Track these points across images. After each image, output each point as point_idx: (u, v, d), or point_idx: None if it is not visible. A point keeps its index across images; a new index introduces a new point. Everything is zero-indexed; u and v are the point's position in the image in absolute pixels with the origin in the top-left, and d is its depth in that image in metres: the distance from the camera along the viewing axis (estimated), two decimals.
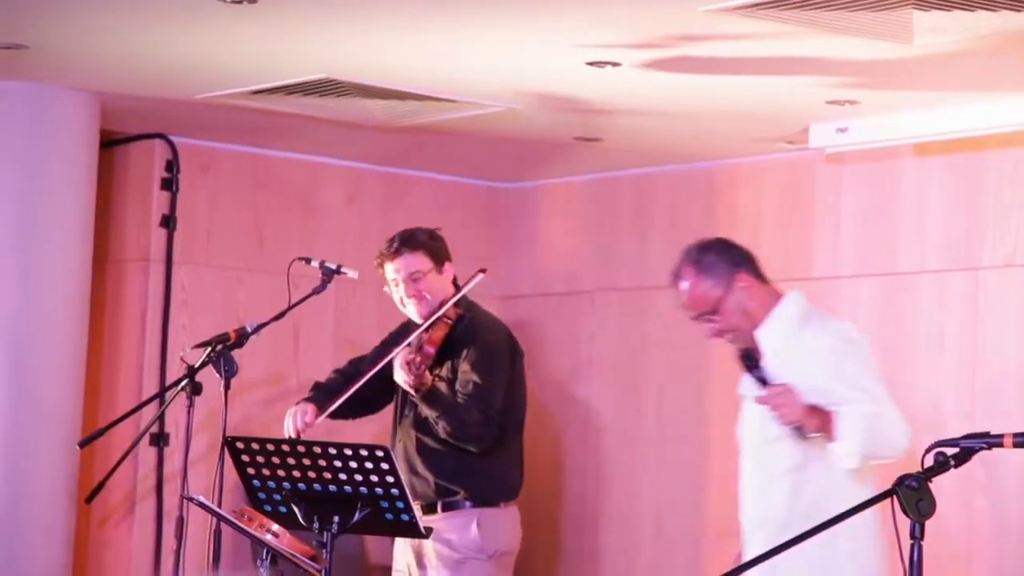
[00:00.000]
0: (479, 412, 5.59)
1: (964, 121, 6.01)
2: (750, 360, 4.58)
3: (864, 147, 6.37)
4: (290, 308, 5.70)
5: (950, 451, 3.83)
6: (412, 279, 5.71)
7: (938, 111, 6.03)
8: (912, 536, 3.74)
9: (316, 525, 4.82)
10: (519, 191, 7.83)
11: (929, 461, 3.81)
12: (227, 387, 5.52)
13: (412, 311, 5.71)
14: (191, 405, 5.75)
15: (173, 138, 6.98)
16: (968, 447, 3.84)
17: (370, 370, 5.67)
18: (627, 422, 7.31)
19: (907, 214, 6.52)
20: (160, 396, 6.15)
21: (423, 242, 5.76)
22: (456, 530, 5.63)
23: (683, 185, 7.26)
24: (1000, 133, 6.02)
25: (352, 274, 5.76)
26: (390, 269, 5.75)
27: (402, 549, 5.72)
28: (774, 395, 4.49)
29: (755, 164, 7.01)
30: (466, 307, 5.75)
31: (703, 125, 6.48)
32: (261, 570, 4.68)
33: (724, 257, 4.72)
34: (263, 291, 6.97)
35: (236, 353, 5.50)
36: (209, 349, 5.61)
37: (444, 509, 5.65)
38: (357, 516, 4.81)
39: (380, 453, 4.81)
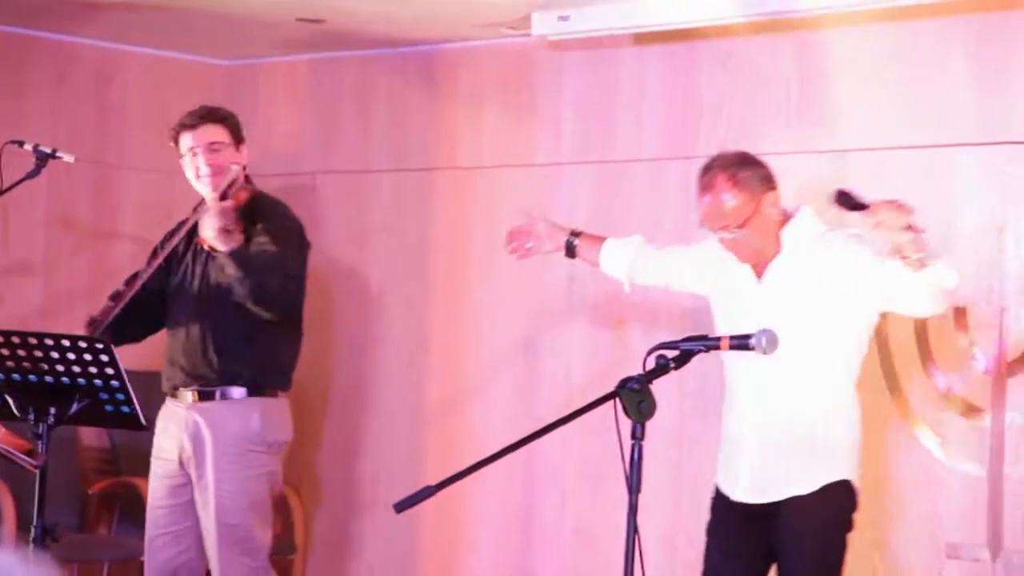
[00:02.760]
0: (278, 277, 5.50)
1: (681, 13, 6.10)
2: (849, 199, 4.46)
3: (585, 35, 6.43)
4: (3, 192, 5.53)
5: (671, 353, 3.94)
6: (211, 149, 5.59)
7: (657, 1, 6.11)
8: (633, 436, 3.85)
9: (31, 416, 4.73)
10: (239, 69, 7.71)
11: (650, 363, 3.92)
12: None
13: (206, 184, 5.56)
14: None
15: None
16: (688, 349, 3.95)
17: (149, 267, 5.53)
18: (355, 307, 7.32)
19: (626, 102, 6.61)
20: None
21: (224, 117, 5.66)
22: (237, 419, 5.55)
23: (405, 68, 7.24)
24: (715, 25, 6.13)
25: (68, 159, 5.60)
26: (188, 139, 5.60)
27: (171, 435, 5.58)
28: (885, 207, 4.39)
29: (477, 48, 7.02)
30: (256, 191, 5.68)
31: (425, 9, 6.45)
32: None
33: (758, 173, 4.74)
34: None
35: None
36: None
37: (222, 396, 5.57)
38: (75, 407, 4.73)
39: (100, 346, 4.72)
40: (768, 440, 4.72)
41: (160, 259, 5.58)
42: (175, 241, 5.59)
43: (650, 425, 3.86)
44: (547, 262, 6.71)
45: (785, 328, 4.31)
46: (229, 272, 5.42)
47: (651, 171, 6.52)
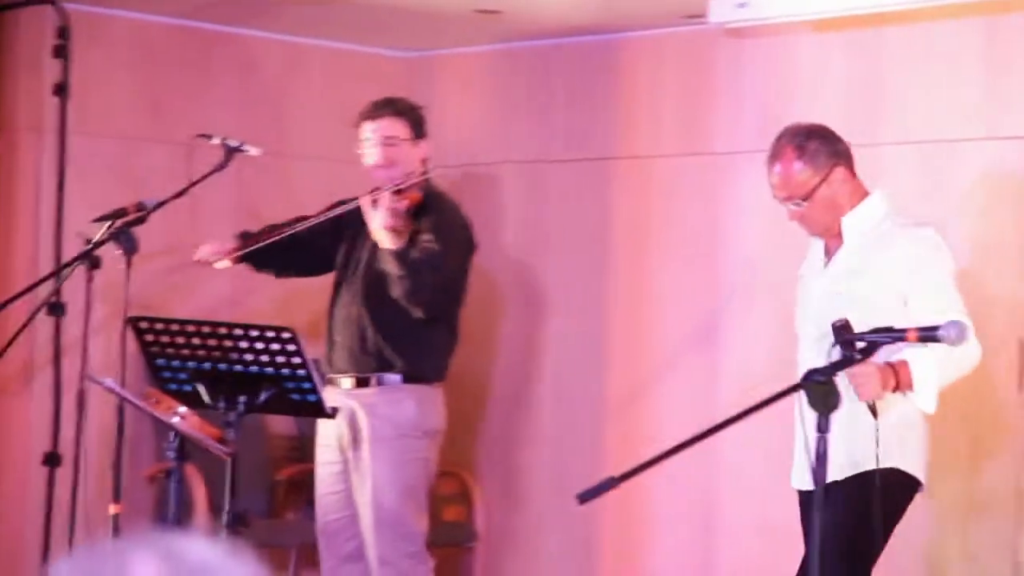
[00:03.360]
0: (435, 277, 5.56)
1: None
2: (845, 334, 4.29)
3: (763, 23, 6.38)
4: (191, 185, 5.64)
5: (857, 345, 3.91)
6: (387, 143, 5.67)
7: None
8: (818, 429, 3.83)
9: (222, 405, 4.83)
10: (418, 60, 7.77)
11: (835, 355, 3.89)
12: (128, 264, 5.50)
13: (378, 175, 5.66)
14: (90, 280, 5.74)
15: (64, 4, 6.83)
16: (874, 341, 3.91)
17: (319, 216, 5.64)
18: (534, 297, 7.35)
19: (806, 90, 6.55)
20: (58, 271, 6.09)
21: (404, 109, 5.71)
22: (393, 405, 5.63)
23: (582, 58, 7.24)
24: (900, 10, 6.05)
25: (254, 151, 5.70)
26: (367, 128, 5.71)
27: (332, 423, 5.64)
28: (861, 374, 4.30)
29: (655, 37, 7.00)
30: (431, 187, 5.74)
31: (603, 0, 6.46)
32: (168, 451, 4.67)
33: (827, 147, 4.72)
34: (159, 161, 6.90)
35: None
36: (108, 225, 5.58)
37: (379, 383, 5.65)
38: (263, 396, 4.82)
39: (287, 335, 4.81)
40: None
41: (329, 214, 5.64)
42: (345, 209, 5.64)
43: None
44: (726, 248, 6.69)
45: (831, 317, 4.25)
46: (389, 269, 5.50)
47: None
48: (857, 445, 4.51)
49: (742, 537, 6.54)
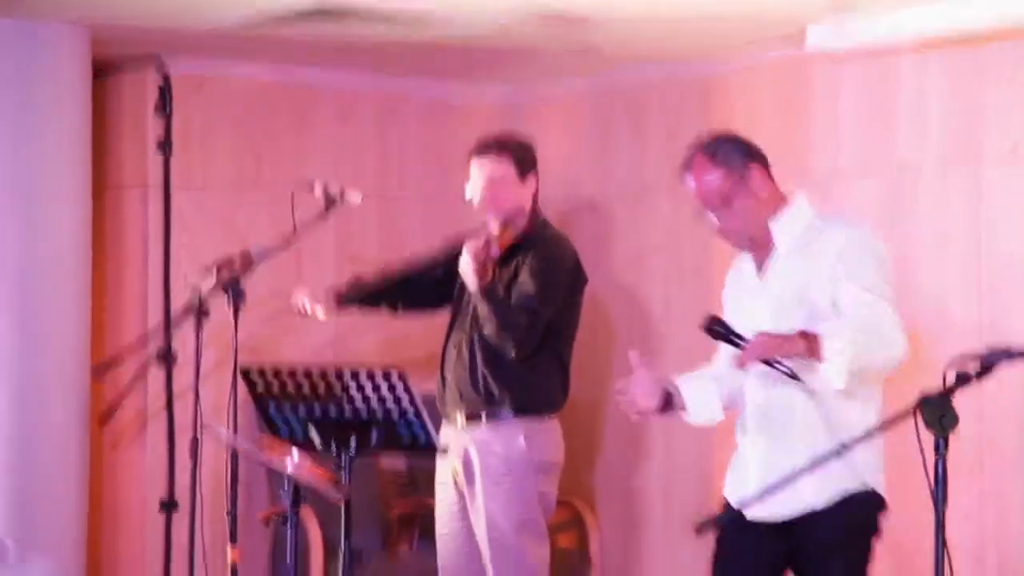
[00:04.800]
0: (527, 317, 5.57)
1: (964, 17, 5.98)
2: (720, 327, 4.44)
3: (861, 47, 6.34)
4: (295, 234, 5.70)
5: (973, 365, 3.85)
6: (492, 184, 5.69)
7: (937, 7, 6.00)
8: (936, 451, 3.78)
9: (333, 448, 4.85)
10: (516, 95, 7.79)
11: (951, 376, 3.84)
12: (236, 313, 5.56)
13: (481, 214, 5.69)
14: (199, 329, 5.80)
15: (166, 61, 6.92)
16: (990, 361, 3.85)
17: (428, 256, 5.68)
18: (633, 325, 7.34)
19: (905, 113, 6.50)
20: (167, 322, 6.15)
21: (511, 147, 5.73)
22: (502, 441, 5.65)
23: (679, 88, 7.23)
24: (1001, 27, 5.99)
25: (355, 198, 5.75)
26: (474, 167, 5.74)
27: (448, 460, 5.69)
28: (751, 353, 4.33)
29: (751, 66, 6.98)
30: (539, 224, 5.75)
31: (699, 26, 6.45)
32: (283, 497, 4.70)
33: (738, 149, 4.60)
34: (262, 209, 6.97)
35: None
36: (216, 273, 5.64)
37: (488, 418, 5.66)
38: (374, 438, 4.84)
39: (396, 376, 4.83)
40: (772, 451, 4.50)
41: (441, 252, 5.72)
42: (450, 245, 5.69)
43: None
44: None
45: (786, 326, 4.27)
46: (480, 308, 5.53)
47: (935, 181, 6.38)
48: (832, 465, 4.34)
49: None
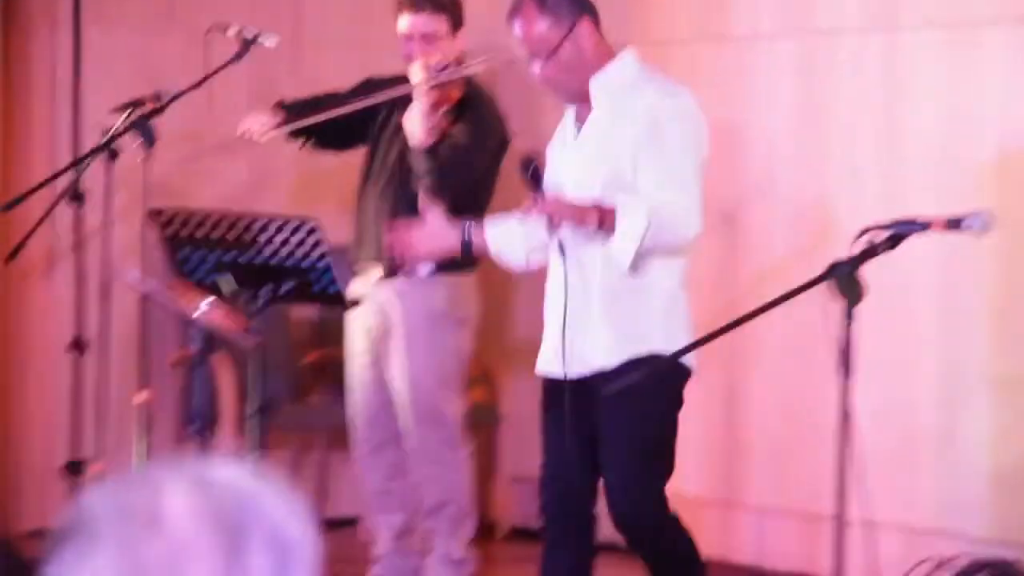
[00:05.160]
0: (460, 174, 5.53)
1: None
2: (530, 169, 4.41)
3: None
4: (208, 77, 5.63)
5: (881, 235, 3.89)
6: (425, 40, 5.59)
7: None
8: (844, 319, 3.83)
9: (245, 296, 4.84)
10: None
11: (861, 247, 3.88)
12: (147, 155, 5.51)
13: (415, 71, 5.57)
14: (109, 170, 5.75)
15: None
16: (899, 232, 3.89)
17: (359, 100, 5.56)
18: None
19: None
20: (77, 160, 6.08)
21: (445, 3, 5.63)
22: (423, 295, 5.64)
23: None
24: None
25: (271, 42, 5.67)
26: (404, 22, 5.63)
27: (362, 313, 5.64)
28: (544, 207, 4.36)
29: None
30: (469, 85, 5.68)
31: None
32: (193, 341, 4.70)
33: (568, 0, 4.53)
34: (175, 50, 6.84)
35: None
36: (127, 114, 5.58)
37: (408, 272, 5.64)
38: (285, 288, 4.83)
39: (309, 226, 4.81)
40: (575, 309, 4.50)
41: (363, 104, 5.59)
42: (387, 96, 5.58)
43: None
44: (746, 133, 6.62)
45: (591, 187, 4.31)
46: (416, 165, 5.48)
47: (852, 47, 6.35)
48: (626, 326, 4.44)
49: (765, 419, 6.54)
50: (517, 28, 4.51)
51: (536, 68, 4.50)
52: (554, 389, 4.58)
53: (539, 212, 4.36)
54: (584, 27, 4.50)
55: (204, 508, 1.58)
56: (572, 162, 4.54)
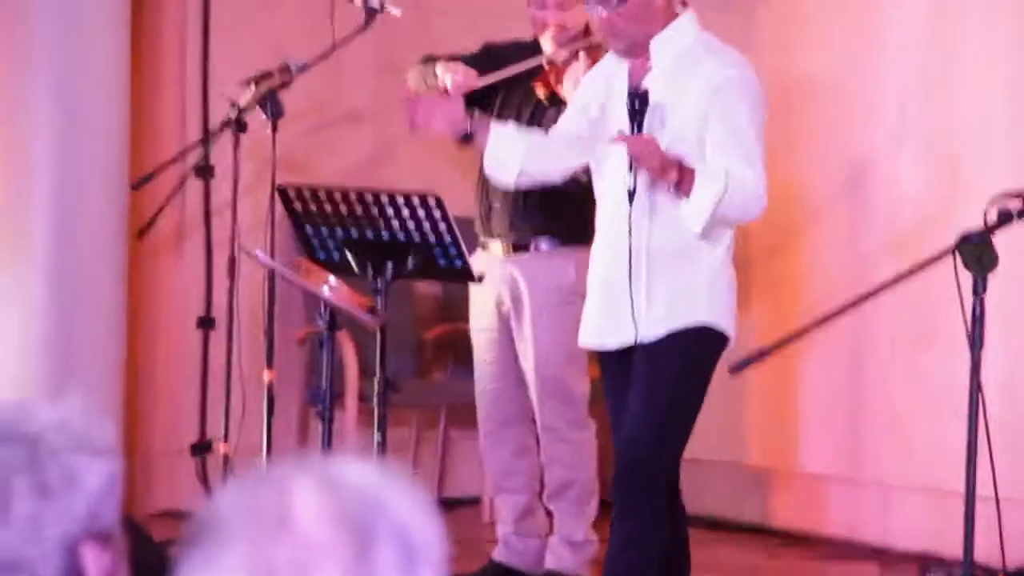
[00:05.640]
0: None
1: None
2: (640, 105, 4.38)
3: None
4: (334, 48, 5.65)
5: (1015, 204, 3.82)
6: (559, 6, 5.52)
7: None
8: (974, 292, 3.77)
9: (370, 272, 4.86)
10: None
11: (992, 215, 3.81)
12: (274, 128, 5.55)
13: (546, 40, 5.52)
14: (237, 144, 5.80)
15: None
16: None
17: (513, 67, 5.46)
18: None
19: None
20: (205, 136, 6.14)
21: None
22: (554, 270, 5.59)
23: None
24: None
25: (396, 12, 5.68)
26: None
27: (488, 288, 5.57)
28: (644, 143, 4.33)
29: None
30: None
31: None
32: (319, 321, 4.73)
33: None
34: (300, 14, 6.87)
35: None
36: (255, 87, 5.63)
37: (538, 248, 5.62)
38: (410, 263, 4.85)
39: (432, 200, 4.82)
40: (614, 279, 4.52)
41: (523, 67, 5.48)
42: (530, 64, 5.51)
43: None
44: (877, 87, 6.51)
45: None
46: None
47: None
48: (673, 295, 4.44)
49: (889, 390, 6.45)
50: None
51: (603, 12, 4.44)
52: (610, 358, 4.61)
53: (632, 149, 4.33)
54: None
55: (332, 508, 1.59)
56: (627, 121, 4.47)
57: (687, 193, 4.30)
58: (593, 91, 4.71)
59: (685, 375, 4.46)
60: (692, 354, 4.44)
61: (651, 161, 4.31)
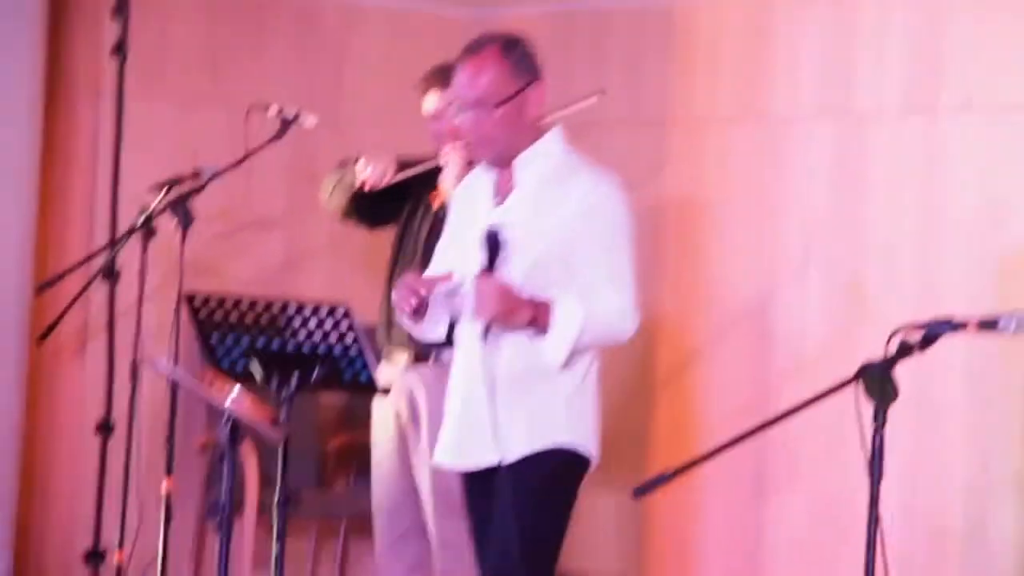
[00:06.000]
0: None
1: None
2: (494, 242, 4.23)
3: None
4: (248, 156, 5.67)
5: (915, 336, 3.85)
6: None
7: None
8: (875, 421, 3.78)
9: (275, 383, 4.82)
10: (476, 22, 7.71)
11: (893, 346, 3.84)
12: (184, 235, 5.53)
13: (448, 153, 5.56)
14: (145, 249, 5.78)
15: None
16: (933, 332, 3.85)
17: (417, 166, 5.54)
18: None
19: (866, 57, 6.45)
20: (114, 241, 6.11)
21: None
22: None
23: (640, 18, 7.17)
24: None
25: (310, 122, 5.70)
26: (432, 101, 5.60)
27: (388, 399, 5.57)
28: (484, 288, 4.19)
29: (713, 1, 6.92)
30: None
31: None
32: (220, 431, 4.68)
33: (532, 59, 4.34)
34: (216, 124, 6.88)
35: None
36: (164, 192, 5.62)
37: (438, 359, 5.59)
38: (316, 375, 4.81)
39: (340, 311, 4.80)
40: (472, 398, 4.35)
41: (397, 178, 5.56)
42: (409, 174, 5.56)
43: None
44: (783, 216, 6.60)
45: (512, 273, 4.16)
46: None
47: (891, 129, 6.36)
48: (535, 420, 4.29)
49: (793, 514, 6.47)
50: (471, 68, 4.27)
51: (470, 117, 4.28)
52: (471, 477, 4.46)
53: (483, 313, 4.21)
54: (538, 91, 4.32)
55: None
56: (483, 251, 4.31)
57: (544, 330, 4.21)
58: (458, 218, 4.55)
59: (547, 498, 4.30)
60: (552, 476, 4.29)
61: (488, 308, 4.18)
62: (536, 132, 4.33)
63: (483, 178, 4.44)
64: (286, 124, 5.67)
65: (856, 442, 3.84)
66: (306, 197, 7.14)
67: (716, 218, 6.83)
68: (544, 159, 4.32)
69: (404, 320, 4.44)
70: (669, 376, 6.93)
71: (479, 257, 4.26)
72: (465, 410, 4.40)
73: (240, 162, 5.69)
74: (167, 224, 5.71)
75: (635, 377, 7.05)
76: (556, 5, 7.40)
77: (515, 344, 4.29)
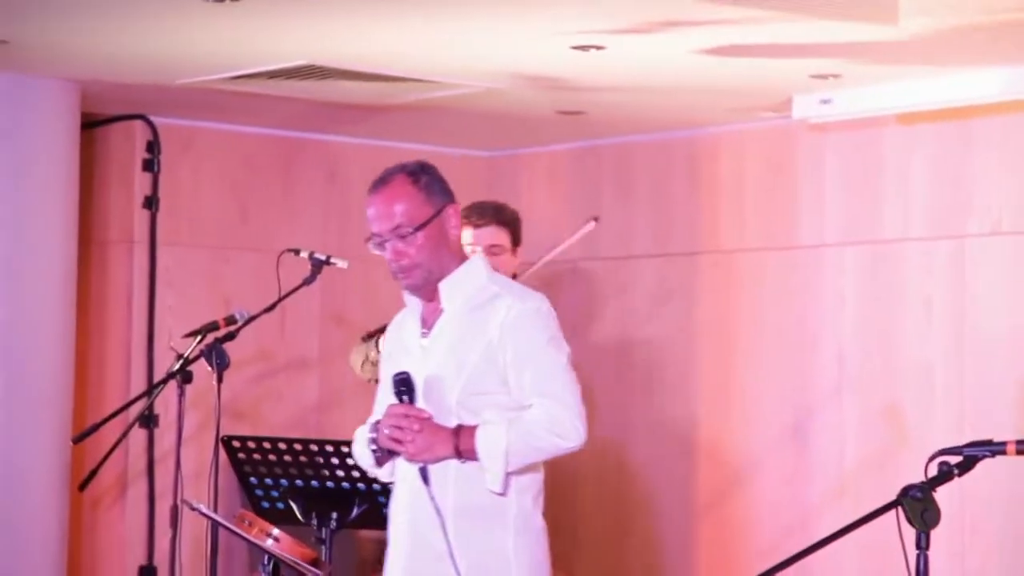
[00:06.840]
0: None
1: (948, 94, 6.00)
2: (407, 388, 4.19)
3: (847, 118, 6.38)
4: (280, 300, 5.69)
5: (954, 459, 3.85)
6: (491, 252, 5.64)
7: (922, 83, 6.02)
8: (918, 547, 3.76)
9: (314, 521, 4.85)
10: (502, 160, 7.81)
11: (932, 470, 3.84)
12: (219, 379, 5.54)
13: None
14: (182, 395, 5.79)
15: (153, 119, 6.96)
16: (972, 455, 3.85)
17: None
18: (621, 394, 7.31)
19: (892, 182, 6.52)
20: (150, 388, 6.15)
21: (509, 220, 5.70)
22: None
23: (665, 153, 7.25)
24: (985, 102, 6.02)
25: (341, 264, 5.75)
26: (468, 236, 5.68)
27: None
28: (414, 447, 4.12)
29: (737, 132, 7.00)
30: None
31: (686, 98, 6.47)
32: (262, 572, 4.68)
33: (440, 184, 4.29)
34: (248, 268, 6.97)
35: None
36: (199, 339, 5.65)
37: None
38: (355, 512, 4.84)
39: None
40: (421, 536, 4.19)
41: None
42: None
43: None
44: (815, 341, 6.64)
45: (446, 397, 4.11)
46: None
47: (920, 252, 6.41)
48: (476, 556, 4.14)
49: None
50: (383, 200, 4.21)
51: (392, 246, 4.19)
52: None
53: (412, 456, 4.16)
54: (452, 214, 4.26)
55: None
56: (421, 370, 4.25)
57: (473, 458, 4.14)
58: (390, 358, 4.43)
59: None
60: None
61: (426, 453, 4.12)
62: (461, 256, 4.33)
63: (409, 313, 4.39)
64: (318, 266, 5.70)
65: (899, 560, 3.83)
66: (338, 338, 7.20)
67: (750, 346, 6.86)
68: (469, 281, 4.28)
69: (370, 464, 4.35)
70: (711, 501, 6.92)
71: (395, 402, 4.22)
72: (415, 542, 4.22)
73: (273, 306, 5.72)
74: (202, 368, 5.75)
75: (675, 503, 7.04)
76: (582, 142, 7.50)
77: (459, 478, 4.18)
